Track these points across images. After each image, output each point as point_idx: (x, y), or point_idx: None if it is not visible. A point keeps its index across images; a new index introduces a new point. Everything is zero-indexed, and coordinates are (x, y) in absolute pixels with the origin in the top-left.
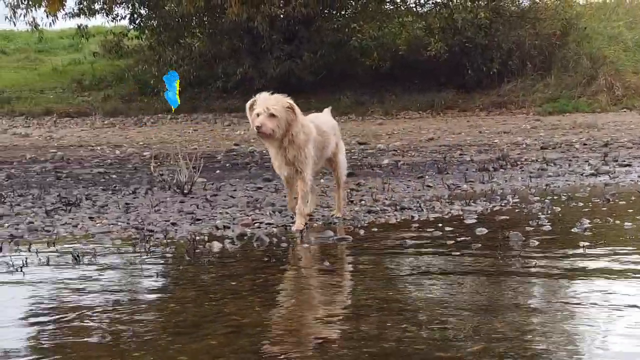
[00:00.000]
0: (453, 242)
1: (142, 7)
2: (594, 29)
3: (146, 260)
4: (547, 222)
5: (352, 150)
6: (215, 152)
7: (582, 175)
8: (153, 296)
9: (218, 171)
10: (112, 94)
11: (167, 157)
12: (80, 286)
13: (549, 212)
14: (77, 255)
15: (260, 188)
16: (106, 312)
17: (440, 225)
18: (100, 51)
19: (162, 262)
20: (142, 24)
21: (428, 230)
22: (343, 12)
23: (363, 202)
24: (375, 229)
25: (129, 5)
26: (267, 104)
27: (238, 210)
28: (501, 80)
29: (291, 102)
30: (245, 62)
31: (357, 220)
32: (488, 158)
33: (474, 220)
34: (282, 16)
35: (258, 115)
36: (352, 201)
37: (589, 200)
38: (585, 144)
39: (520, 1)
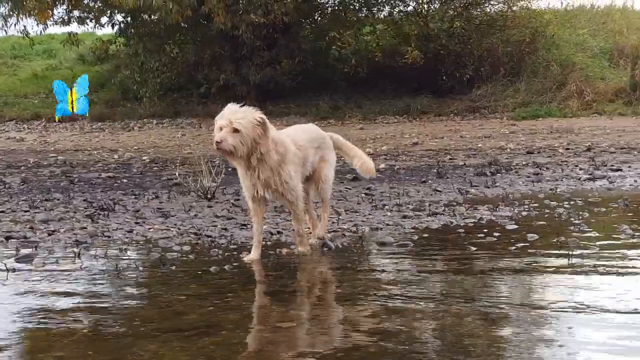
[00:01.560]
0: (514, 247)
1: (127, 16)
2: (561, 37)
3: (233, 266)
4: (588, 228)
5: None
6: (212, 156)
7: (579, 179)
8: (269, 301)
9: (223, 175)
10: (96, 99)
11: (167, 161)
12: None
13: (580, 217)
14: (162, 260)
15: None
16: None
17: (485, 230)
18: (91, 57)
19: (248, 267)
20: (128, 31)
21: (478, 235)
22: (319, 20)
23: (387, 206)
24: (426, 235)
25: (113, 14)
26: (231, 117)
27: (272, 215)
28: (472, 86)
29: (262, 116)
30: (227, 68)
31: (400, 225)
32: (480, 162)
33: (515, 226)
34: (257, 24)
35: (221, 129)
36: (375, 206)
37: (607, 204)
38: (568, 149)
39: (490, 10)
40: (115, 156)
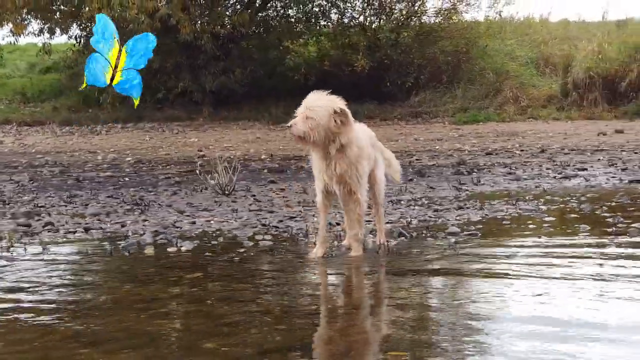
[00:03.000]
0: (583, 236)
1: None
2: (492, 47)
3: (342, 252)
4: (624, 220)
5: None
6: (189, 157)
7: (555, 178)
8: (414, 282)
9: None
10: (58, 105)
11: (151, 161)
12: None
13: (603, 211)
14: (272, 250)
15: (283, 189)
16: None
17: (529, 222)
18: (63, 64)
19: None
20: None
21: (529, 226)
22: (271, 31)
23: (402, 202)
24: (479, 225)
25: (82, 25)
26: (308, 104)
27: (304, 209)
28: (410, 93)
29: (341, 106)
30: (185, 77)
31: (443, 218)
32: (448, 162)
33: (551, 218)
34: (218, 34)
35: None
36: (392, 202)
37: (611, 200)
38: (522, 150)
39: (427, 21)
40: (99, 157)
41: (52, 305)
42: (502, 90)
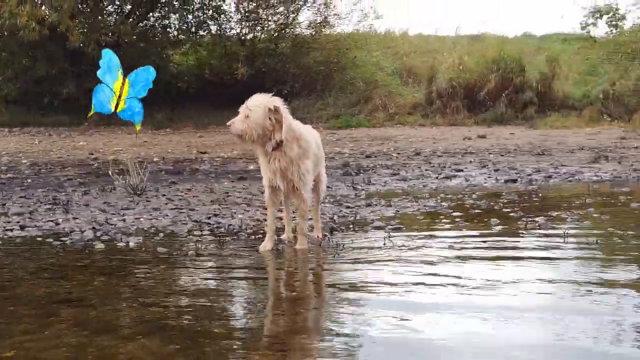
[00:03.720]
0: (498, 229)
1: None
2: (361, 58)
3: (286, 245)
4: (526, 213)
5: (204, 159)
6: (82, 160)
7: (437, 178)
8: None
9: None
10: None
11: (47, 164)
12: None
13: (501, 206)
14: (221, 242)
15: (190, 189)
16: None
17: (441, 217)
18: None
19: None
20: None
21: (441, 220)
22: (152, 40)
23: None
24: (397, 219)
25: None
26: (248, 104)
27: (221, 207)
28: (286, 100)
29: (276, 104)
30: (70, 83)
31: (358, 214)
32: (334, 165)
33: (458, 213)
34: (104, 43)
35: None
36: None
37: (501, 197)
38: (399, 153)
39: (300, 32)
40: None
41: (33, 296)
42: (371, 98)
